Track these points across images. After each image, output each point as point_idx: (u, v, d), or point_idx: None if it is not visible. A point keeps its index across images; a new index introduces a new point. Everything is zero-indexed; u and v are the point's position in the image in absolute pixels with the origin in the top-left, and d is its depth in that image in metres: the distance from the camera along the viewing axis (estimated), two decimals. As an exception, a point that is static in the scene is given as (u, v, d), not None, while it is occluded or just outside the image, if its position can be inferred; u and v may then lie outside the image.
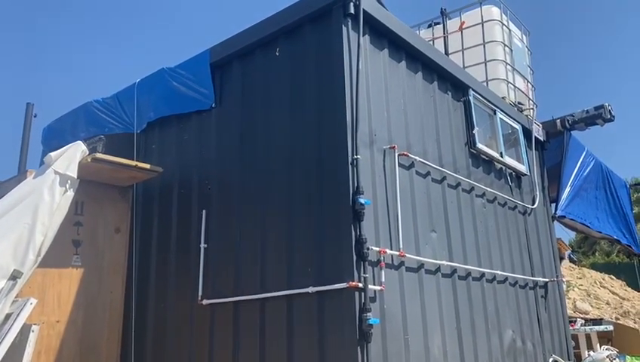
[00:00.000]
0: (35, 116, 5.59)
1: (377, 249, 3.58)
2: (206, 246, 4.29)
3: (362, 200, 3.50)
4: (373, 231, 3.61)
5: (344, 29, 3.84)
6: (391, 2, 4.39)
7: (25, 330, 3.54)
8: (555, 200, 6.77)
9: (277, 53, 4.24)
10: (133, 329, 4.51)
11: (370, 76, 4.00)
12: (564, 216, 6.77)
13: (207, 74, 4.57)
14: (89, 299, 4.43)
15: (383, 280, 3.56)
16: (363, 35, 3.93)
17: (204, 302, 4.13)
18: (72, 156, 4.04)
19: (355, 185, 3.55)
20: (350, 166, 3.58)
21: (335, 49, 3.84)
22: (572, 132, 6.89)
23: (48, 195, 3.82)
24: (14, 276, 3.56)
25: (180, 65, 4.79)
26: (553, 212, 6.66)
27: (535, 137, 6.38)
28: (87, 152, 4.15)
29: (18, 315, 3.50)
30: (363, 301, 3.33)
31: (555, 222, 6.77)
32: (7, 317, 3.53)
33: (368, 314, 3.29)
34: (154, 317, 4.57)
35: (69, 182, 3.95)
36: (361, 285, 3.35)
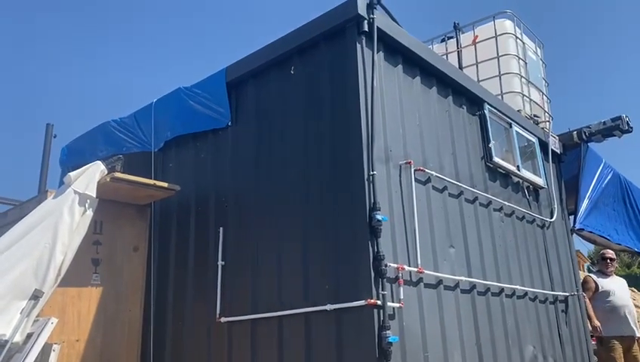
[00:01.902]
0: (54, 137, 5.70)
1: (395, 265, 3.56)
2: (223, 263, 4.30)
3: (379, 217, 3.49)
4: (390, 248, 3.60)
5: (358, 46, 3.87)
6: (404, 18, 4.43)
7: (46, 350, 3.58)
8: (574, 212, 6.70)
9: (292, 72, 4.28)
10: (151, 348, 4.52)
11: (384, 92, 4.02)
12: (583, 229, 6.68)
13: (224, 93, 4.62)
14: (108, 318, 4.46)
15: (402, 297, 3.54)
16: (377, 52, 3.95)
17: (222, 319, 4.14)
18: (91, 176, 4.10)
19: (372, 201, 3.55)
20: (366, 182, 3.58)
21: (350, 66, 3.86)
22: (589, 144, 6.83)
23: (68, 215, 3.88)
24: (36, 295, 3.60)
25: (197, 84, 4.85)
26: (572, 225, 6.59)
27: (552, 150, 6.34)
28: (106, 172, 4.20)
29: (39, 335, 3.54)
30: (382, 318, 3.31)
31: (574, 234, 6.69)
32: (29, 336, 3.57)
33: (387, 331, 3.27)
34: (172, 335, 4.58)
35: (88, 201, 4.00)
36: (379, 302, 3.33)
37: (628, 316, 6.50)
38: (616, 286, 6.71)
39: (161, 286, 4.73)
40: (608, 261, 6.91)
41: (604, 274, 6.87)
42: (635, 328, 6.49)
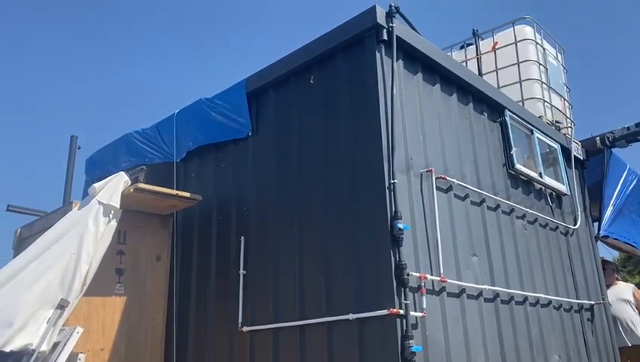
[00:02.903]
0: (78, 148, 5.79)
1: (417, 274, 3.54)
2: (245, 272, 4.32)
3: (401, 226, 3.48)
4: (412, 257, 3.58)
5: (377, 55, 3.88)
6: (422, 25, 4.43)
7: (72, 359, 3.63)
8: (598, 219, 6.60)
9: (311, 82, 4.31)
10: (174, 357, 4.55)
11: (404, 101, 4.02)
12: (608, 236, 6.57)
13: (244, 103, 4.66)
14: (131, 327, 4.50)
15: (425, 306, 3.51)
16: (396, 61, 3.96)
17: (244, 329, 4.15)
18: (115, 186, 4.16)
19: (393, 210, 3.54)
20: (387, 191, 3.57)
21: (369, 75, 3.87)
22: (613, 149, 6.73)
23: (93, 225, 3.94)
24: (62, 305, 3.66)
25: (217, 95, 4.91)
26: (596, 232, 6.49)
27: (574, 156, 6.26)
28: (130, 182, 4.26)
29: (65, 344, 3.59)
30: (405, 328, 3.29)
31: (599, 241, 6.58)
32: (55, 345, 3.62)
33: (410, 341, 3.25)
34: (195, 344, 4.60)
35: (112, 212, 4.06)
36: (402, 312, 3.31)
37: (619, 326, 6.45)
38: (612, 296, 6.60)
39: (184, 296, 4.77)
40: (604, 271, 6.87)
41: (607, 285, 6.82)
42: (626, 337, 6.38)
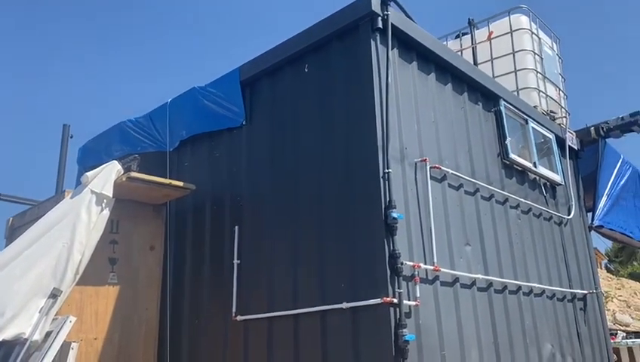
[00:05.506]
0: (71, 137, 5.74)
1: (411, 263, 3.54)
2: (239, 262, 4.31)
3: (395, 215, 3.48)
4: (406, 246, 3.58)
5: (372, 43, 3.86)
6: (418, 14, 4.40)
7: (64, 348, 3.62)
8: (592, 209, 6.62)
9: (306, 70, 4.28)
10: (168, 346, 4.55)
11: (399, 89, 4.00)
12: (602, 226, 6.60)
13: (238, 92, 4.63)
14: (125, 316, 4.49)
15: (418, 295, 3.52)
16: (391, 49, 3.93)
17: (239, 318, 4.15)
18: (107, 175, 4.13)
19: (387, 199, 3.53)
20: (381, 180, 3.57)
21: (364, 64, 3.85)
22: (607, 140, 6.74)
23: (85, 214, 3.92)
24: (54, 294, 3.65)
25: (211, 83, 4.87)
26: (590, 222, 6.51)
27: (569, 146, 6.26)
28: (122, 171, 4.23)
29: (58, 333, 3.58)
30: (398, 316, 3.30)
31: (592, 232, 6.60)
32: (48, 334, 3.61)
33: (404, 329, 3.26)
34: (189, 333, 4.60)
35: (104, 201, 4.04)
36: (395, 300, 3.32)
37: None
38: None
39: (178, 285, 4.76)
40: None
41: None
42: None
